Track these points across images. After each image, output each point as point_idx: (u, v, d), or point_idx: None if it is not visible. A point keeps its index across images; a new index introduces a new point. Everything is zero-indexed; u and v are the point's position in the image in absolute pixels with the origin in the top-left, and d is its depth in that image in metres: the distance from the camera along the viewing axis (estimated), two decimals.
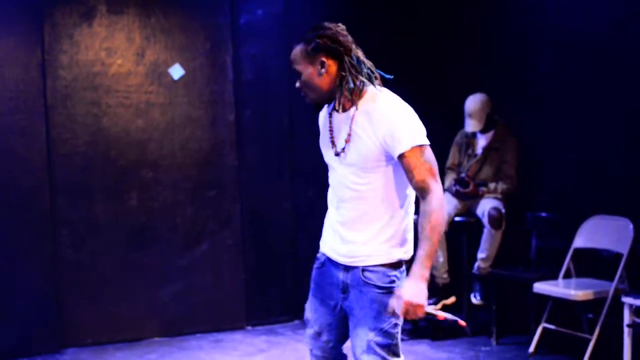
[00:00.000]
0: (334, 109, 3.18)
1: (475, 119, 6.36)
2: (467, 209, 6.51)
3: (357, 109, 3.10)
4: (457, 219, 6.49)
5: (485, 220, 6.25)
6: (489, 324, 6.35)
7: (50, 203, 6.30)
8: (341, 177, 3.19)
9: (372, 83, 3.15)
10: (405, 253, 3.17)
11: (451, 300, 6.43)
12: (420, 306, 2.95)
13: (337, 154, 3.15)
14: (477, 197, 6.40)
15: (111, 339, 6.50)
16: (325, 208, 7.00)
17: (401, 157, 3.00)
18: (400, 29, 7.47)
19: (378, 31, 7.26)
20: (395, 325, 3.14)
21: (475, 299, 6.42)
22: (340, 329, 3.32)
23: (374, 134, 3.04)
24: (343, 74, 3.09)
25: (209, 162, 6.79)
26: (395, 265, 3.14)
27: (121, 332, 6.53)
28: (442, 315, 3.30)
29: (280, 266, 7.05)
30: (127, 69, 6.54)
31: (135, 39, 6.58)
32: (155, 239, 6.63)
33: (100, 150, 6.48)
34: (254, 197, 6.97)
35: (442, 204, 2.99)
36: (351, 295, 3.18)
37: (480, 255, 6.33)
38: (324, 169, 7.06)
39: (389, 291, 3.09)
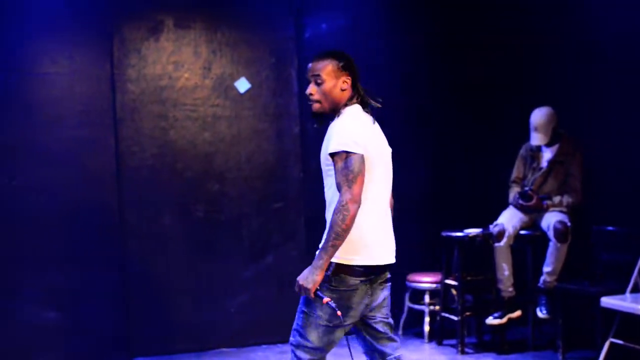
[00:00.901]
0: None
1: (541, 133, 6.41)
2: (533, 222, 6.55)
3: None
4: (522, 232, 6.53)
5: (550, 234, 6.28)
6: (555, 338, 6.37)
7: (119, 215, 6.47)
8: None
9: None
10: (340, 258, 3.45)
11: (517, 314, 6.47)
12: (307, 288, 3.36)
13: None
14: (540, 210, 6.44)
15: (179, 349, 6.65)
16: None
17: (331, 158, 3.40)
18: (465, 42, 7.52)
19: (442, 45, 7.36)
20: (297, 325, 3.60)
21: (541, 313, 6.44)
22: None
23: (326, 141, 3.50)
24: (353, 93, 3.60)
25: (274, 174, 6.93)
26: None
27: (189, 342, 6.67)
28: (326, 299, 3.41)
29: None
30: (194, 82, 6.69)
31: (202, 53, 6.73)
32: (221, 251, 6.78)
33: (167, 163, 6.64)
34: (319, 209, 7.03)
35: (343, 208, 3.29)
36: None
37: (546, 269, 6.36)
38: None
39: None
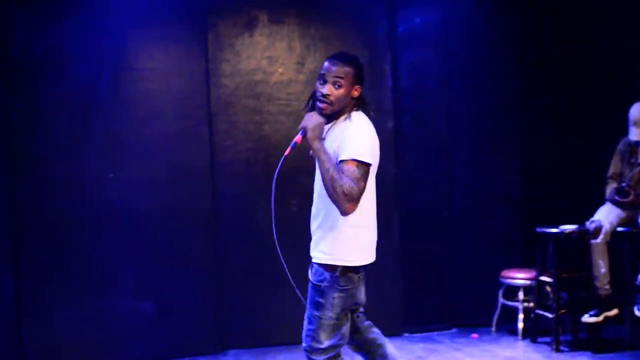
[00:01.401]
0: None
1: None
2: (631, 219, 6.46)
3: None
4: (619, 229, 6.44)
5: None
6: None
7: (214, 208, 6.55)
8: None
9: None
10: (345, 260, 3.73)
11: (614, 312, 6.40)
12: (305, 127, 3.65)
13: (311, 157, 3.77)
14: (638, 207, 6.35)
15: (273, 341, 6.72)
16: (483, 215, 7.08)
17: (341, 163, 3.50)
18: (560, 37, 7.44)
19: (536, 39, 7.31)
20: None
21: (638, 312, 6.35)
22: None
23: (334, 140, 3.63)
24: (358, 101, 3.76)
25: None
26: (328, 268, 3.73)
27: (282, 335, 6.72)
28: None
29: (438, 274, 7.17)
30: (288, 77, 6.76)
31: (295, 48, 6.79)
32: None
33: (260, 157, 6.71)
34: (412, 205, 7.09)
35: (350, 193, 3.47)
36: None
37: None
38: (481, 176, 7.17)
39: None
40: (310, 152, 3.65)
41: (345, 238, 3.74)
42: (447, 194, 7.18)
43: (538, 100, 7.46)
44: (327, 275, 3.73)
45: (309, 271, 3.90)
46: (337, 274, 3.71)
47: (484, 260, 7.34)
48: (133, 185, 6.36)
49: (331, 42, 6.86)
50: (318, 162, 3.57)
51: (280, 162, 3.71)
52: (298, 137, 3.66)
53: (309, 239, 6.70)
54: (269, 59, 6.72)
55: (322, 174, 3.52)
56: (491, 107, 7.37)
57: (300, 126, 3.64)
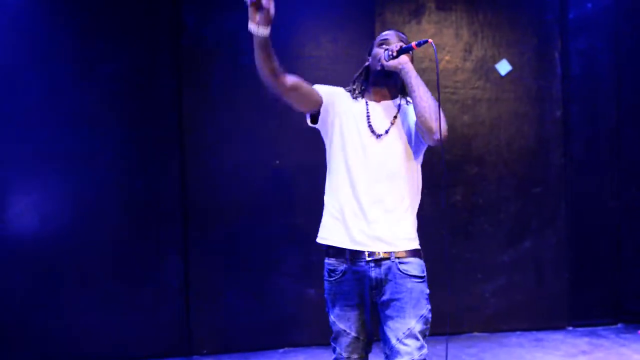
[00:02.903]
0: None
1: None
2: None
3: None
4: None
5: None
6: None
7: None
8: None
9: None
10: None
11: None
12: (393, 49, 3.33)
13: (378, 137, 3.36)
14: None
15: (431, 331, 6.76)
16: None
17: None
18: None
19: None
20: (430, 310, 3.37)
21: None
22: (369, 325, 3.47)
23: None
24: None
25: (534, 158, 6.93)
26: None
27: (442, 325, 6.77)
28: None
29: (604, 267, 7.05)
30: (455, 65, 6.79)
31: (463, 35, 6.82)
32: (478, 234, 6.86)
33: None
34: (579, 195, 7.01)
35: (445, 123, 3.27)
36: (388, 290, 3.32)
37: None
38: None
39: (424, 280, 3.37)
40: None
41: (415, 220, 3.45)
42: (616, 183, 7.04)
43: None
44: (422, 262, 3.40)
45: (372, 269, 3.33)
46: (422, 258, 3.42)
47: None
48: (298, 172, 6.51)
49: (499, 29, 6.85)
50: (413, 82, 3.26)
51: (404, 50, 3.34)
52: (414, 44, 3.28)
53: (475, 226, 6.80)
54: (436, 46, 6.73)
55: (419, 96, 3.23)
56: None
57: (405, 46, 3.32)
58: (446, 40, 6.80)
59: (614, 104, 7.02)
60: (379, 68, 3.39)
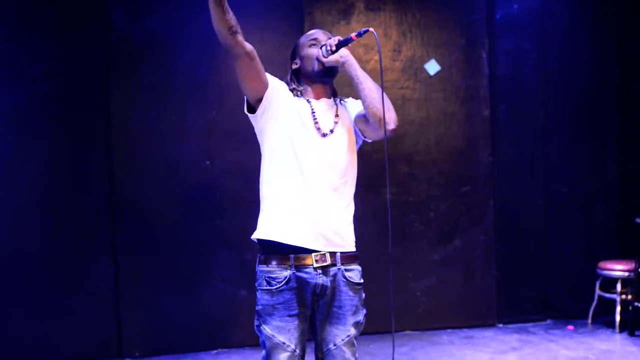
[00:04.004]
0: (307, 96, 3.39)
1: None
2: None
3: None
4: None
5: None
6: None
7: None
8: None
9: None
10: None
11: None
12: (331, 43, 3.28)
13: (324, 135, 3.29)
14: None
15: (364, 329, 6.81)
16: (580, 205, 7.05)
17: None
18: None
19: (637, 23, 7.26)
20: (365, 315, 3.37)
21: None
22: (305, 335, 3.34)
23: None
24: None
25: (463, 157, 7.04)
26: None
27: (374, 324, 6.80)
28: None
29: (532, 264, 7.20)
30: (384, 64, 6.85)
31: (392, 35, 6.90)
32: (409, 233, 6.94)
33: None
34: (507, 194, 7.15)
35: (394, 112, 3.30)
36: (329, 297, 3.25)
37: None
38: (579, 165, 7.17)
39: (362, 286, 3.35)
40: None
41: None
42: (543, 182, 7.20)
43: (638, 88, 7.40)
44: (361, 268, 3.36)
45: (319, 276, 3.21)
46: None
47: (580, 250, 7.35)
48: (229, 172, 6.50)
49: (428, 29, 6.95)
50: (359, 75, 3.28)
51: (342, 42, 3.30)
52: (354, 36, 3.26)
53: (405, 225, 6.87)
54: (365, 47, 6.82)
55: (367, 88, 3.25)
56: (589, 95, 7.35)
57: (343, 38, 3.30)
58: (375, 40, 6.83)
59: (540, 103, 7.17)
60: (317, 68, 3.31)
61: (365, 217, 6.61)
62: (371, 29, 3.24)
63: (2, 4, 6.08)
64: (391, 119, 3.23)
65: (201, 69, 6.43)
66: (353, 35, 3.23)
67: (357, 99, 3.43)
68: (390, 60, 6.88)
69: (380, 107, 3.20)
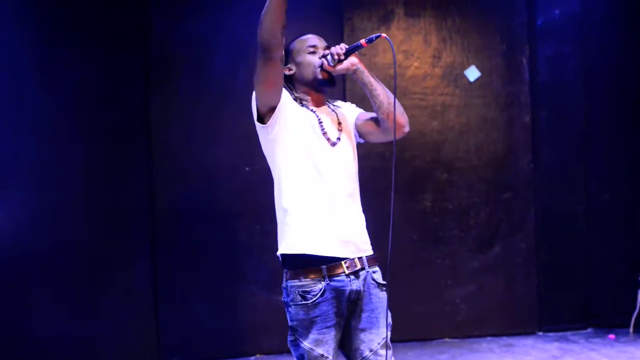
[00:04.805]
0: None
1: None
2: None
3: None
4: None
5: None
6: None
7: None
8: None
9: None
10: None
11: None
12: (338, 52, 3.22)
13: (333, 145, 3.29)
14: None
15: (402, 337, 6.81)
16: (621, 212, 7.00)
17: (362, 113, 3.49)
18: None
19: None
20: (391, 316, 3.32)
21: None
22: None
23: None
24: None
25: (503, 164, 7.02)
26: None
27: (412, 331, 6.84)
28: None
29: (573, 272, 7.14)
30: (424, 71, 6.87)
31: (431, 42, 6.90)
32: (448, 240, 6.93)
33: (396, 151, 6.79)
34: (548, 201, 7.11)
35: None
36: (362, 301, 3.25)
37: None
38: (621, 172, 7.11)
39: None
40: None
41: None
42: (584, 189, 7.15)
43: None
44: (379, 269, 3.37)
45: (352, 282, 3.22)
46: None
47: (622, 258, 7.27)
48: (269, 177, 6.52)
49: (468, 35, 6.94)
50: (372, 82, 3.29)
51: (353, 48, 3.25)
52: (364, 42, 3.21)
53: (445, 232, 6.87)
54: (405, 53, 6.84)
55: (382, 94, 3.29)
56: (632, 101, 7.29)
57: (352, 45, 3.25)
58: (415, 46, 6.87)
59: (582, 110, 7.12)
60: (320, 76, 3.28)
61: (403, 224, 6.68)
62: (384, 35, 3.20)
63: (42, 9, 6.18)
64: (405, 122, 3.38)
65: (240, 74, 6.48)
66: (363, 41, 3.19)
67: (346, 102, 3.54)
68: (430, 66, 6.88)
69: (397, 111, 3.28)
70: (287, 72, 3.34)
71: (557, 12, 7.02)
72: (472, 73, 6.91)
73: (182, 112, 6.44)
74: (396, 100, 3.27)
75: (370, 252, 3.33)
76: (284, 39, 3.06)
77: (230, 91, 6.48)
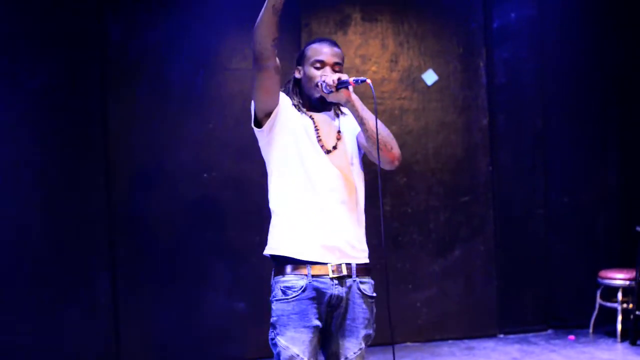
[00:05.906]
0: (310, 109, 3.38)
1: None
2: None
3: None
4: None
5: None
6: None
7: None
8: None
9: None
10: None
11: None
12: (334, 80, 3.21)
13: (327, 152, 3.32)
14: None
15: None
16: (581, 213, 7.07)
17: None
18: None
19: (637, 30, 7.29)
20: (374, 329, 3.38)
21: None
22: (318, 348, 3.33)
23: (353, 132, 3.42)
24: None
25: (462, 167, 7.07)
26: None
27: (375, 335, 6.82)
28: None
29: (533, 274, 7.21)
30: (381, 75, 6.89)
31: (389, 46, 6.93)
32: (408, 244, 6.95)
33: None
34: (507, 203, 7.17)
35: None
36: (344, 309, 3.27)
37: None
38: (579, 173, 7.18)
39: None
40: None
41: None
42: (543, 191, 7.21)
43: (638, 95, 7.44)
44: (372, 281, 3.40)
45: (335, 286, 3.23)
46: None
47: (581, 259, 7.36)
48: (229, 186, 6.52)
49: (425, 39, 6.98)
50: (363, 115, 3.25)
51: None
52: (352, 81, 3.21)
53: (404, 236, 6.89)
54: (362, 58, 6.86)
55: (371, 129, 3.25)
56: (588, 103, 7.38)
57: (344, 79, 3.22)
58: (372, 50, 6.89)
59: (539, 112, 7.20)
60: (317, 95, 3.32)
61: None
62: (368, 80, 3.22)
63: None
64: (395, 157, 3.37)
65: (198, 81, 6.46)
66: (351, 80, 3.21)
67: None
68: (387, 70, 6.91)
69: (385, 142, 3.29)
70: (296, 75, 3.41)
71: (512, 15, 7.09)
72: (430, 77, 6.95)
73: (141, 119, 6.40)
74: (389, 135, 3.32)
75: (363, 261, 3.34)
76: (275, 49, 3.07)
77: (189, 97, 6.47)
